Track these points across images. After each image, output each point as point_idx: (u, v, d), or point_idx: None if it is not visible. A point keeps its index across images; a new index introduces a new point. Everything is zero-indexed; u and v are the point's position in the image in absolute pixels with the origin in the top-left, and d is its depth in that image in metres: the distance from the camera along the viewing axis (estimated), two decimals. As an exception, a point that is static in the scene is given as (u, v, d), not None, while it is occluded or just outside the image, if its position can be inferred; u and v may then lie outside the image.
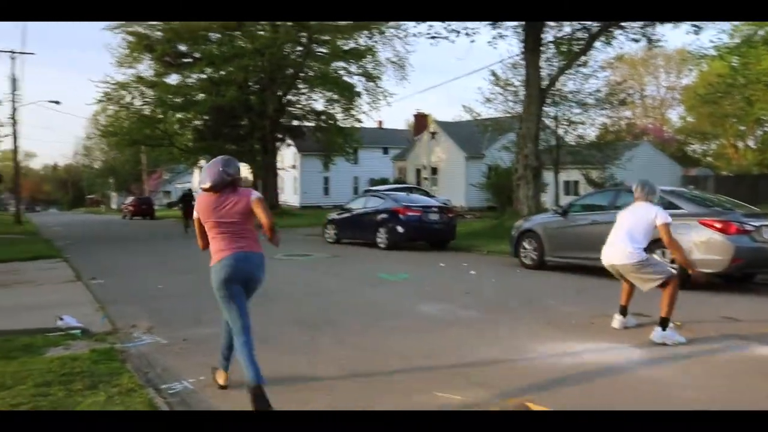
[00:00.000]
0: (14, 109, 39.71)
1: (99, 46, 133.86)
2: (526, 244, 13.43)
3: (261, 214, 5.02)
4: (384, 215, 18.01)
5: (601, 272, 11.67)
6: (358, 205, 19.99)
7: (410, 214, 17.57)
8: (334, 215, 21.12)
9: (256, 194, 5.06)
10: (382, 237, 17.82)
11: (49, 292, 10.68)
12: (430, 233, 17.91)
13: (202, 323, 7.89)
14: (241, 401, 4.73)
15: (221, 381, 5.41)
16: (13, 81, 40.36)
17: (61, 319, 7.77)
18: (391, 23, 35.36)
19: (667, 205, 10.73)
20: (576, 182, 36.83)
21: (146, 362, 6.13)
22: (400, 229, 17.47)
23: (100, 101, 39.63)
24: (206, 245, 5.39)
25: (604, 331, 7.15)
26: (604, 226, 11.53)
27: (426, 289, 10.39)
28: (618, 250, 7.12)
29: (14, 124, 40.01)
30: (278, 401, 4.79)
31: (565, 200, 27.22)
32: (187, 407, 4.86)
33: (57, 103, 42.70)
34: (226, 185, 4.97)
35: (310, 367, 5.83)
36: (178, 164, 61.11)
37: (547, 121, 30.36)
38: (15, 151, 41.93)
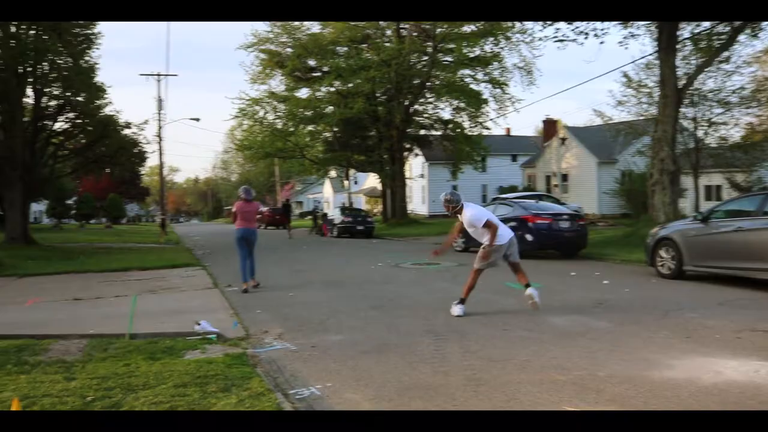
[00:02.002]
0: (160, 127, 42.45)
1: (234, 65, 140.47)
2: (662, 253, 12.74)
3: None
4: (513, 223, 17.61)
5: (747, 283, 10.96)
6: (485, 214, 19.73)
7: (540, 221, 17.17)
8: (461, 224, 20.98)
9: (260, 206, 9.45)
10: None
11: (189, 298, 11.25)
12: (561, 241, 17.42)
13: (329, 331, 8.03)
14: (350, 404, 4.73)
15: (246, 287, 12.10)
16: (159, 101, 43.23)
17: (199, 324, 8.14)
18: (517, 28, 34.80)
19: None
20: (718, 187, 34.67)
21: (276, 367, 6.28)
22: (529, 237, 17.08)
23: (235, 117, 41.62)
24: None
25: (753, 347, 6.60)
26: (751, 233, 10.84)
27: (556, 299, 10.08)
28: None
29: (160, 141, 42.82)
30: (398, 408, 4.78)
31: (705, 206, 25.70)
32: (314, 413, 4.91)
33: (197, 120, 45.35)
34: (250, 200, 12.71)
35: (436, 376, 5.77)
36: (309, 175, 62.93)
37: (685, 123, 28.79)
38: (161, 166, 44.76)
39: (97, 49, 26.99)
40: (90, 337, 7.69)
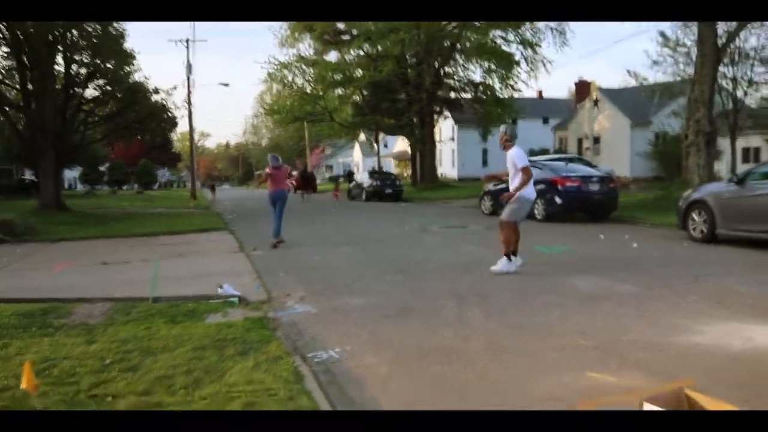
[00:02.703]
0: (189, 93, 42.47)
1: (263, 29, 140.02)
2: (695, 216, 12.43)
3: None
4: (541, 186, 17.28)
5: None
6: (514, 176, 19.48)
7: (568, 184, 16.87)
8: (490, 186, 20.77)
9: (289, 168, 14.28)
10: (539, 208, 17.24)
11: (215, 262, 11.29)
12: (590, 204, 17.11)
13: (352, 293, 7.99)
14: (368, 368, 4.66)
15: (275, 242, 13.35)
16: (189, 67, 43.13)
17: (221, 287, 8.14)
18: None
19: None
20: (757, 149, 33.84)
21: (296, 331, 6.24)
22: (557, 199, 16.83)
23: (264, 81, 41.50)
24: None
25: (785, 311, 6.37)
26: (788, 196, 10.50)
27: (583, 263, 9.90)
28: None
29: (190, 106, 42.85)
30: (419, 374, 4.72)
31: (742, 169, 25.08)
32: (332, 376, 4.87)
33: (226, 85, 47.01)
34: (278, 166, 14.05)
35: (457, 340, 5.67)
36: (338, 139, 62.84)
37: (724, 83, 27.94)
38: (191, 131, 44.92)
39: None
40: (114, 301, 7.73)
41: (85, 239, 15.88)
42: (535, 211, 17.35)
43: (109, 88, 27.06)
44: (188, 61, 42.86)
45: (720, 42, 20.74)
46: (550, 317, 6.41)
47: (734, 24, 23.35)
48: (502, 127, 9.80)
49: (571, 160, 24.57)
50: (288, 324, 6.53)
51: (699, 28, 20.35)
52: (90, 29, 24.73)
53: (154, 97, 28.96)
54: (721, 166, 28.92)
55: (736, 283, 7.92)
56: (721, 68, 26.91)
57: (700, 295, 7.21)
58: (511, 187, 9.40)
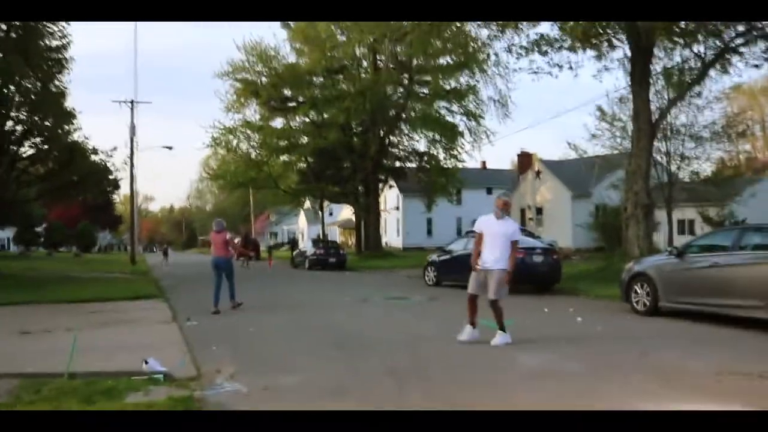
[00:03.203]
0: (132, 154, 41.66)
1: (209, 94, 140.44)
2: (637, 288, 12.41)
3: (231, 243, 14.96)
4: (485, 257, 17.32)
5: (724, 320, 10.63)
6: (459, 247, 19.39)
7: (513, 255, 16.79)
8: (434, 257, 20.61)
9: (229, 235, 14.95)
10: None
11: (145, 333, 10.68)
12: (534, 276, 17.01)
13: (286, 369, 7.54)
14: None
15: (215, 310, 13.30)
16: (132, 128, 42.38)
17: (146, 362, 7.58)
18: (492, 60, 34.89)
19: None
20: (692, 221, 34.77)
21: (222, 413, 5.76)
22: (501, 271, 16.70)
23: (208, 145, 41.11)
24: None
25: (733, 392, 6.18)
26: (726, 269, 10.55)
27: (527, 338, 9.64)
28: None
29: (132, 167, 41.99)
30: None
31: (679, 240, 25.59)
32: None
33: (170, 148, 44.69)
34: (220, 231, 14.23)
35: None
36: (283, 206, 62.45)
37: (658, 157, 28.82)
38: (132, 194, 43.93)
39: (68, 73, 26.43)
40: (24, 377, 7.10)
41: (5, 305, 14.95)
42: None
43: (46, 146, 26.30)
44: (132, 123, 42.09)
45: (653, 117, 21.36)
46: (493, 398, 6.06)
47: (666, 101, 24.24)
48: (502, 197, 9.56)
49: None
50: (215, 405, 6.02)
51: (634, 104, 20.98)
52: (29, 86, 24.14)
53: (94, 158, 28.28)
54: (659, 237, 29.49)
55: (681, 360, 7.77)
56: (656, 143, 27.81)
57: (647, 374, 7.00)
58: (500, 260, 8.93)
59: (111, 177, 31.93)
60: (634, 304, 12.43)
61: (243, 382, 6.89)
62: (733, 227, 14.19)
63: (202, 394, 6.44)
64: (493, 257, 8.92)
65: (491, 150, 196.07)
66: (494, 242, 8.97)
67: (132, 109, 42.28)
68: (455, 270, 18.84)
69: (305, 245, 38.44)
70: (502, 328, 8.95)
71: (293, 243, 42.00)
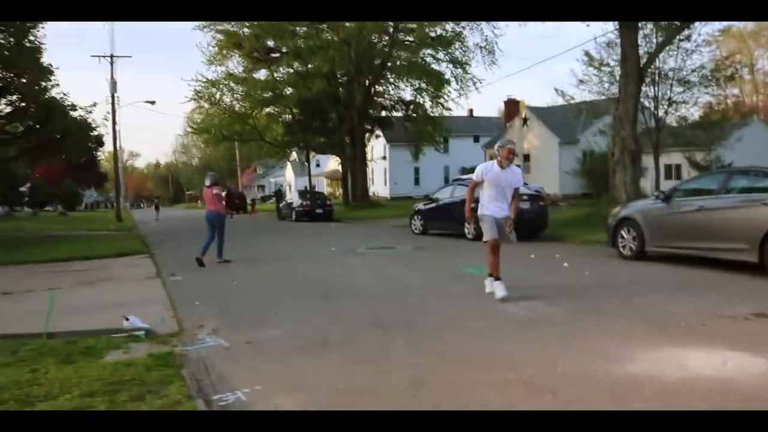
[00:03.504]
0: (114, 110, 41.06)
1: (190, 47, 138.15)
2: (624, 233, 12.36)
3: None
4: (472, 204, 17.18)
5: (710, 263, 10.61)
6: (445, 195, 19.27)
7: (499, 203, 16.69)
8: (420, 206, 20.49)
9: (216, 191, 14.35)
10: (469, 227, 17.01)
11: (128, 290, 10.58)
12: (521, 223, 16.82)
13: (269, 323, 7.44)
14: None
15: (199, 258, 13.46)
16: (113, 83, 41.67)
17: (127, 319, 7.47)
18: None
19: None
20: (678, 166, 34.73)
21: (203, 368, 5.67)
22: (488, 219, 16.62)
23: (191, 99, 40.46)
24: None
25: (720, 335, 6.13)
26: (713, 212, 10.48)
27: (513, 285, 9.55)
28: None
29: (114, 124, 41.43)
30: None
31: (666, 185, 25.53)
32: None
33: (152, 103, 44.42)
34: (211, 185, 14.23)
35: (377, 376, 5.19)
36: (269, 159, 61.95)
37: (646, 102, 28.61)
38: (115, 150, 43.46)
39: (43, 28, 25.66)
40: (4, 338, 6.97)
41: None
42: (465, 230, 17.13)
43: (23, 104, 25.70)
44: (112, 78, 41.43)
45: (641, 61, 21.06)
46: (478, 347, 6.01)
47: (654, 45, 23.91)
48: (508, 145, 8.56)
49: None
50: (196, 360, 5.95)
51: (622, 48, 20.67)
52: (2, 41, 23.44)
53: (73, 114, 27.68)
54: (647, 183, 29.45)
55: (667, 303, 7.73)
56: (644, 88, 27.54)
57: (633, 318, 6.95)
58: (506, 210, 8.66)
59: (94, 134, 31.38)
60: (621, 249, 12.40)
61: (225, 337, 6.80)
62: (720, 171, 14.09)
63: (183, 349, 6.35)
64: (505, 205, 8.64)
65: (478, 98, 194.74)
66: (503, 193, 8.59)
67: (111, 63, 41.58)
68: (441, 218, 18.80)
69: (291, 197, 38.24)
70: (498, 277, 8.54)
71: (279, 195, 41.72)
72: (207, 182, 14.49)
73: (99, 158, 71.86)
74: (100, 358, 5.99)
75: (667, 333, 6.26)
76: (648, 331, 6.36)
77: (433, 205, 19.52)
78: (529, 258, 12.91)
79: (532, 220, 17.10)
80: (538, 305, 7.87)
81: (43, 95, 25.67)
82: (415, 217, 20.19)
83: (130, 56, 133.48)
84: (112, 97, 41.29)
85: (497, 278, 8.44)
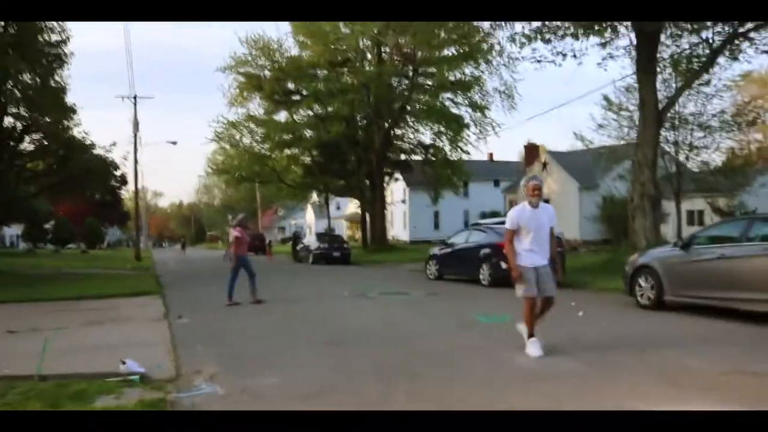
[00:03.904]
0: (136, 149, 41.52)
1: (212, 89, 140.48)
2: (642, 282, 11.99)
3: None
4: (487, 250, 16.93)
5: (731, 314, 10.21)
6: (461, 240, 19.02)
7: (514, 248, 16.39)
8: (435, 250, 20.24)
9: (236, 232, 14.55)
10: (485, 273, 16.75)
11: (132, 331, 10.42)
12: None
13: (270, 369, 7.20)
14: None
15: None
16: (135, 123, 42.21)
17: (124, 362, 7.25)
18: (496, 50, 34.45)
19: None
20: (701, 212, 34.21)
21: (194, 417, 5.42)
22: (503, 264, 16.28)
23: (212, 140, 40.82)
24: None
25: (739, 393, 5.76)
26: (734, 261, 10.12)
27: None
28: None
29: (135, 163, 41.87)
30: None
31: (688, 231, 25.09)
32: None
33: (174, 143, 45.53)
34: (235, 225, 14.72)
35: (374, 430, 4.92)
36: (288, 200, 62.15)
37: (666, 147, 28.35)
38: (136, 189, 43.82)
39: (68, 68, 26.18)
40: (-3, 379, 6.79)
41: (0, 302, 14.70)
42: (481, 276, 16.84)
43: (45, 142, 26.08)
44: (135, 117, 41.99)
45: (660, 106, 20.88)
46: (481, 400, 5.70)
47: (674, 89, 23.74)
48: (532, 182, 7.89)
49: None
50: (188, 407, 5.70)
51: (640, 92, 20.51)
52: (29, 81, 23.88)
53: (95, 152, 28.05)
54: (668, 229, 29.02)
55: (685, 357, 7.37)
56: (664, 132, 27.30)
57: (648, 372, 6.61)
58: (545, 258, 7.73)
59: (118, 173, 31.81)
60: (639, 298, 12.02)
61: (222, 384, 6.57)
62: (741, 218, 13.72)
63: (177, 396, 6.11)
64: (542, 251, 7.72)
65: (498, 142, 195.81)
66: (541, 235, 7.74)
67: (135, 104, 42.14)
68: (456, 264, 18.52)
69: (309, 239, 38.12)
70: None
71: (296, 237, 41.58)
72: (234, 223, 15.10)
73: (122, 197, 72.62)
74: (89, 404, 5.76)
75: (683, 389, 5.91)
76: (664, 387, 6.01)
77: (448, 250, 19.27)
78: (544, 305, 12.55)
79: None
80: (549, 357, 7.54)
81: (65, 134, 26.03)
82: (430, 262, 19.93)
83: (152, 97, 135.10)
84: (135, 136, 41.77)
85: (531, 335, 7.74)
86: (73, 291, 17.00)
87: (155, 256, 52.63)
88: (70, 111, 26.33)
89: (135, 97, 42.04)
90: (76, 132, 27.08)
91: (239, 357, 8.02)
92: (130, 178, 41.51)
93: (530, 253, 7.64)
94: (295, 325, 10.81)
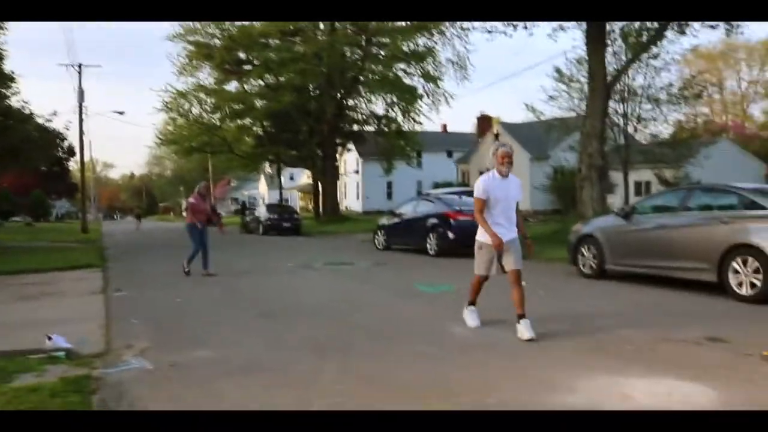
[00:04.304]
0: (81, 120, 40.37)
1: (161, 57, 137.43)
2: (584, 251, 12.10)
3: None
4: (434, 220, 16.91)
5: (671, 283, 10.36)
6: (408, 210, 18.96)
7: (461, 218, 16.33)
8: (384, 221, 20.15)
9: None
10: (431, 243, 16.73)
11: (66, 306, 10.15)
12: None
13: (200, 344, 7.01)
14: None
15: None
16: (81, 93, 41.00)
17: (50, 338, 6.99)
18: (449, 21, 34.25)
19: (750, 205, 9.38)
20: (648, 183, 34.81)
21: (117, 393, 5.22)
22: (450, 234, 16.33)
23: (160, 110, 39.85)
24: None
25: (667, 362, 5.81)
26: (673, 230, 10.25)
27: (465, 304, 9.24)
28: None
29: (81, 134, 40.77)
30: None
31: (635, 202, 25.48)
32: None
33: (121, 113, 43.58)
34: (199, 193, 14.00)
35: (299, 403, 4.80)
36: (239, 171, 61.36)
37: (616, 119, 28.68)
38: (82, 160, 42.67)
39: (4, 35, 25.10)
40: None
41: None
42: (428, 246, 16.82)
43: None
44: (80, 86, 40.79)
45: (610, 78, 21.00)
46: (413, 372, 5.64)
47: (623, 61, 23.91)
48: (498, 145, 7.36)
49: (469, 193, 24.33)
50: (112, 384, 5.50)
51: (590, 64, 20.57)
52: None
53: (36, 123, 27.07)
54: (615, 199, 29.42)
55: (618, 326, 7.41)
56: (613, 105, 27.57)
57: (580, 341, 6.63)
58: (512, 231, 7.24)
59: (64, 144, 30.73)
60: (582, 267, 12.14)
61: (151, 359, 6.37)
62: (681, 188, 13.92)
63: (103, 372, 5.91)
64: (509, 224, 7.21)
65: (452, 113, 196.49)
66: (509, 206, 7.20)
67: (79, 72, 40.90)
68: (404, 234, 18.49)
69: (259, 210, 37.68)
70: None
71: (244, 208, 41.12)
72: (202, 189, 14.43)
73: (70, 168, 70.75)
74: (7, 383, 5.52)
75: (614, 358, 5.94)
76: (594, 356, 6.04)
77: (396, 220, 19.20)
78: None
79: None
80: (485, 328, 7.52)
81: (2, 103, 25.05)
82: (379, 233, 19.84)
83: (99, 65, 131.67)
84: (80, 106, 40.62)
85: (472, 302, 7.63)
86: (10, 265, 16.45)
87: (105, 228, 51.55)
88: (8, 79, 25.30)
89: (80, 66, 40.86)
90: (15, 101, 26.07)
91: (173, 331, 7.81)
92: (78, 149, 40.24)
93: (497, 227, 7.06)
94: (235, 298, 10.61)
